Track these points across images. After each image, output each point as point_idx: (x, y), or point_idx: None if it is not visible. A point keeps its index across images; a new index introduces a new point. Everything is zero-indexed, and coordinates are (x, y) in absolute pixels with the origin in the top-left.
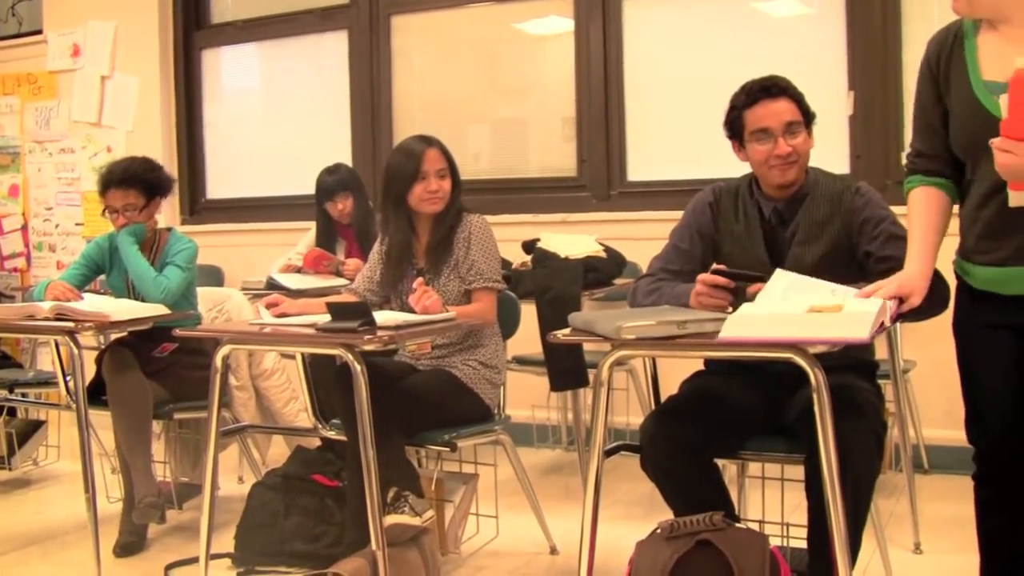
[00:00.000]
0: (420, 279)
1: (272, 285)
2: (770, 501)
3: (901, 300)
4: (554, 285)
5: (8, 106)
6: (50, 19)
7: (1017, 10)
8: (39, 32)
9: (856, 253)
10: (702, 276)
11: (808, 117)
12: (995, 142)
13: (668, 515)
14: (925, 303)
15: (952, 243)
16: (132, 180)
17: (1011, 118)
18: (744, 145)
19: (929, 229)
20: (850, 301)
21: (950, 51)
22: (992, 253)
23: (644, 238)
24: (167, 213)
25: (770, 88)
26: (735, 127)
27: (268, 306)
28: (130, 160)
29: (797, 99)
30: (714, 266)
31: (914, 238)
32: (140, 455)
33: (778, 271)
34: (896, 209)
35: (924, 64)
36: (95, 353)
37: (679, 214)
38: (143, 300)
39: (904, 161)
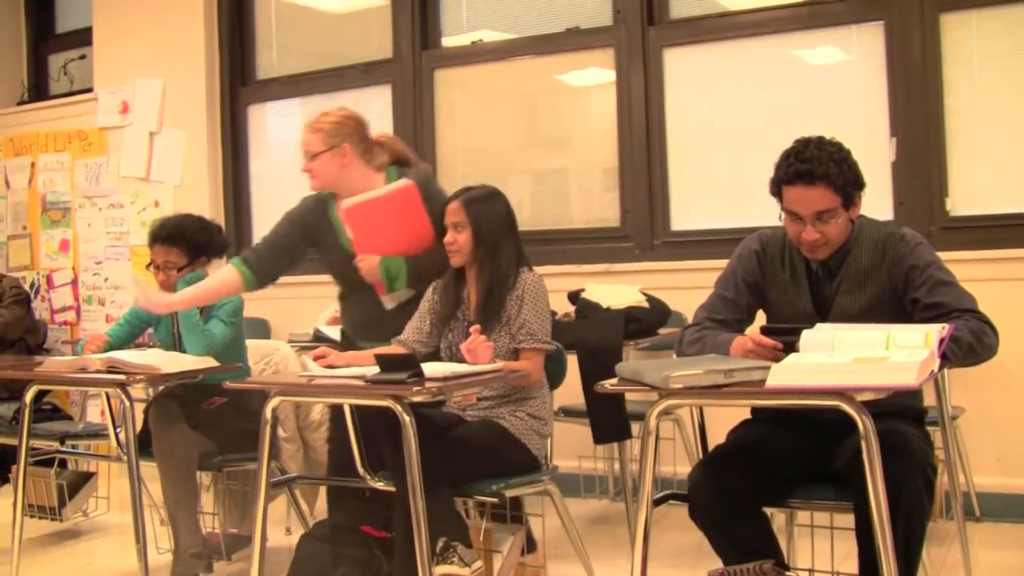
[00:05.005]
0: (478, 326)
1: (319, 337)
2: (820, 549)
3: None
4: (594, 337)
5: (59, 163)
6: (100, 77)
7: (342, 191)
8: (89, 90)
9: (903, 300)
10: (753, 336)
11: (849, 194)
12: None
13: (716, 565)
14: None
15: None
16: (178, 238)
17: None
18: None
19: None
20: (895, 351)
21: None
22: None
23: (688, 287)
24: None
25: (804, 175)
26: (775, 192)
27: (316, 358)
28: (183, 217)
29: (836, 184)
30: (763, 325)
31: None
32: (184, 507)
33: (819, 326)
34: (942, 255)
35: None
36: (144, 405)
37: (723, 263)
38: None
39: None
